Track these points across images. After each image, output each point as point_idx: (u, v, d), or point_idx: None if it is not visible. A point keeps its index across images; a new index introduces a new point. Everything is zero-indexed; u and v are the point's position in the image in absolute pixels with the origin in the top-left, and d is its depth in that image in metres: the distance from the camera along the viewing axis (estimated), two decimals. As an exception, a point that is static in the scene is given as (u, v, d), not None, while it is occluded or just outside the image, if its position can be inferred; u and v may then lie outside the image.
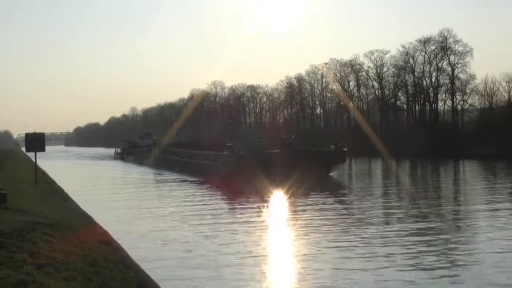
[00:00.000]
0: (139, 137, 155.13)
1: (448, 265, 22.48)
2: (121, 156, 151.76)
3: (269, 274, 22.29)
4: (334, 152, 70.74)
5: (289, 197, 45.70)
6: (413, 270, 21.77)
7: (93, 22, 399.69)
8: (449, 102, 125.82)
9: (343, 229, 30.97)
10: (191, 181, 67.82)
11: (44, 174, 60.32)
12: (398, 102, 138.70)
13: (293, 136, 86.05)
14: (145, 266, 19.27)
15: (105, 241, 21.61)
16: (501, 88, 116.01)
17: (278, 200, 46.22)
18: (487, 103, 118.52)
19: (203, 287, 20.15)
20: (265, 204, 43.17)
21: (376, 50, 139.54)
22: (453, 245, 26.16)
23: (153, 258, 23.86)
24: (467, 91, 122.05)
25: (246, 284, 20.62)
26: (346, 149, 72.79)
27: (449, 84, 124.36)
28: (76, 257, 16.44)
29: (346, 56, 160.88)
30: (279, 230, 33.13)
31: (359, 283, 20.15)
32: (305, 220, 34.96)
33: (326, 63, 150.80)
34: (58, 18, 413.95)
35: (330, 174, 68.33)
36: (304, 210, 39.46)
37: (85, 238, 20.12)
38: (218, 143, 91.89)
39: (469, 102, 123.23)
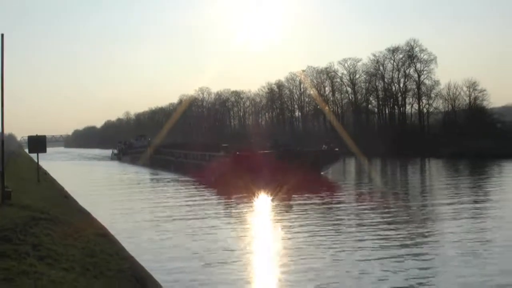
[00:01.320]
0: (135, 139, 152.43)
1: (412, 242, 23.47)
2: (118, 157, 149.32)
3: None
4: (327, 152, 68.50)
5: (277, 196, 44.40)
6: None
7: (92, 35, 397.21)
8: (416, 106, 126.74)
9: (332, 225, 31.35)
10: (189, 181, 65.26)
11: (45, 173, 60.04)
12: (369, 105, 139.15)
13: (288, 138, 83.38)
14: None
15: (102, 234, 21.60)
16: (462, 93, 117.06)
17: (269, 198, 44.65)
18: (450, 106, 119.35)
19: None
20: (260, 201, 43.05)
21: (349, 58, 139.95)
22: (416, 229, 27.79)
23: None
24: (432, 95, 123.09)
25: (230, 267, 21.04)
26: (337, 149, 71.21)
27: (416, 89, 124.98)
28: (75, 249, 16.42)
29: (322, 64, 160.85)
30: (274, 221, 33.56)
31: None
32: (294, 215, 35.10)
33: (303, 70, 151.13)
34: (60, 33, 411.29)
35: (322, 173, 65.78)
36: (292, 208, 38.73)
37: (83, 232, 20.09)
38: (212, 144, 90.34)
39: (434, 105, 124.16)
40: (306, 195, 44.08)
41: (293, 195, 43.99)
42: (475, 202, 38.96)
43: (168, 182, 67.13)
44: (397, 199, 42.21)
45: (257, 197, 44.83)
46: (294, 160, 57.34)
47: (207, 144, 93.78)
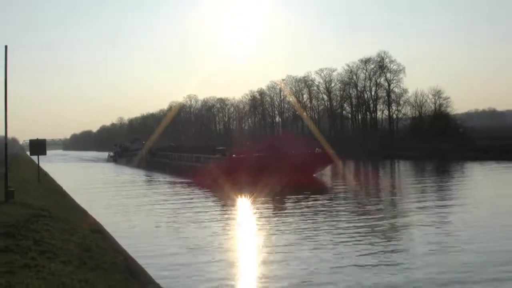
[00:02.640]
0: (130, 142, 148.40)
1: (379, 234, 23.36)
2: (114, 159, 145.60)
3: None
4: (321, 155, 64.99)
5: (267, 197, 42.30)
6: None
7: (88, 46, 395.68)
8: (386, 112, 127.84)
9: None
10: (184, 183, 61.24)
11: (45, 174, 59.72)
12: (344, 112, 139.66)
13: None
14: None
15: (97, 230, 21.57)
16: (428, 100, 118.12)
17: (263, 197, 42.18)
18: (417, 112, 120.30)
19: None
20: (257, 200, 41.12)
21: (325, 68, 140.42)
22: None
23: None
24: (401, 102, 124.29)
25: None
26: (333, 151, 67.05)
27: (386, 97, 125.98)
28: (73, 244, 16.38)
29: (300, 73, 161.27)
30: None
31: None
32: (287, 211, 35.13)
33: (283, 79, 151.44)
34: (60, 44, 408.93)
35: (314, 175, 61.96)
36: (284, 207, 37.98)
37: (80, 228, 20.07)
38: (204, 147, 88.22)
39: (402, 111, 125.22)
40: (291, 195, 42.49)
41: (276, 196, 42.64)
42: (439, 197, 40.02)
43: (165, 183, 64.21)
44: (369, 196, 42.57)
45: (246, 198, 43.43)
46: (287, 162, 54.18)
47: (201, 147, 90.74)
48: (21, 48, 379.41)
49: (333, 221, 29.63)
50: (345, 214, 32.20)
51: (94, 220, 25.89)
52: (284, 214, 33.60)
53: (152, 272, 17.93)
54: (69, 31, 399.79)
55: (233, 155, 63.34)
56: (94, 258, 15.26)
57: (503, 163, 66.63)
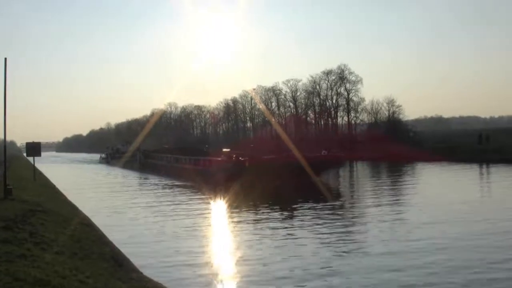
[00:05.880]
0: (121, 145, 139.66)
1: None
2: (106, 161, 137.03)
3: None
4: (328, 157, 56.55)
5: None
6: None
7: (78, 60, 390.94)
8: (346, 118, 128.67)
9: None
10: (187, 186, 53.11)
11: (40, 173, 59.18)
12: (308, 118, 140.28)
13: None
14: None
15: (87, 224, 21.61)
16: (383, 108, 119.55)
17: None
18: (373, 118, 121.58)
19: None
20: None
21: (292, 79, 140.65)
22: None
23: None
24: (359, 110, 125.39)
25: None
26: (342, 154, 61.77)
27: (346, 105, 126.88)
28: (64, 236, 16.46)
29: (269, 83, 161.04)
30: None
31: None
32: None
33: (254, 89, 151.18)
34: (54, 60, 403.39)
35: (319, 178, 50.38)
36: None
37: (71, 221, 20.11)
38: (198, 149, 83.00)
39: (360, 118, 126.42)
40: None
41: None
42: (392, 194, 40.38)
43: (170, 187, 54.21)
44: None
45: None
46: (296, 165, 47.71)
47: (194, 150, 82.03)
48: (19, 61, 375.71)
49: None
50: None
51: (84, 214, 25.86)
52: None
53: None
54: (62, 45, 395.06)
55: (240, 158, 54.15)
56: (84, 249, 15.39)
57: (447, 164, 67.97)
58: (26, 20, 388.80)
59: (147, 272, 16.11)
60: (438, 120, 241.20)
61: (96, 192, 50.51)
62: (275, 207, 33.87)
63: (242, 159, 53.50)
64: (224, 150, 65.29)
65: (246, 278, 16.59)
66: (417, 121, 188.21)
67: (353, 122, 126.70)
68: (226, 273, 17.56)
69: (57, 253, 13.48)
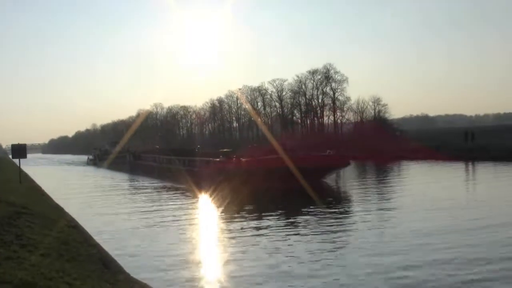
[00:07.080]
0: (109, 145, 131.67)
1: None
2: (94, 162, 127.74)
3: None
4: (333, 157, 52.53)
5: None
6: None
7: (62, 62, 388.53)
8: (332, 117, 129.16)
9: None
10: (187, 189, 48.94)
11: (26, 175, 58.71)
12: (294, 117, 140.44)
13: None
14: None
15: (73, 226, 21.49)
16: (369, 107, 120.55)
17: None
18: (359, 117, 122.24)
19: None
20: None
21: (277, 79, 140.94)
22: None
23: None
24: (345, 109, 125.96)
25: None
26: (347, 154, 58.93)
27: (332, 104, 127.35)
28: (51, 238, 16.35)
29: (255, 83, 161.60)
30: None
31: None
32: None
33: (240, 89, 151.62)
34: (37, 61, 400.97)
35: (323, 179, 50.48)
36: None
37: (58, 223, 20.00)
38: (189, 149, 77.97)
39: (346, 117, 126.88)
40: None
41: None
42: (378, 191, 40.93)
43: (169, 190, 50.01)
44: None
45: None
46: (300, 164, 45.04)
47: (189, 150, 77.03)
48: (3, 62, 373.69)
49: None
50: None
51: (71, 216, 25.72)
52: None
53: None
54: (47, 45, 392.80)
55: (241, 159, 50.74)
56: (71, 251, 15.27)
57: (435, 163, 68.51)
58: (8, 20, 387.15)
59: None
60: (424, 119, 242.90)
61: (87, 197, 46.93)
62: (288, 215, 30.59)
63: (244, 160, 50.28)
64: (223, 150, 61.29)
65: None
66: (403, 119, 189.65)
67: (339, 121, 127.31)
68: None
69: (43, 255, 13.38)
